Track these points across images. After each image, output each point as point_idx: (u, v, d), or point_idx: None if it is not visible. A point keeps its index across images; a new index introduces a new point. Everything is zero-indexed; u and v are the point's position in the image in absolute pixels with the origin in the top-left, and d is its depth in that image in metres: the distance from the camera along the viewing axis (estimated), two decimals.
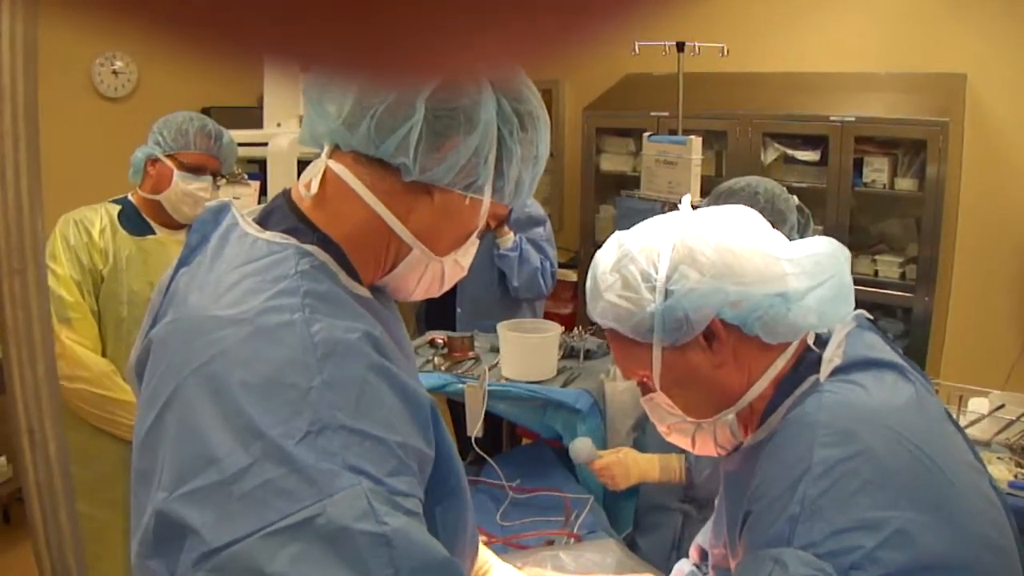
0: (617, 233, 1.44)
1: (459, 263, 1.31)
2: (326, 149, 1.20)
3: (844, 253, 1.37)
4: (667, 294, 1.32)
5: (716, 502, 1.61)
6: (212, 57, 0.32)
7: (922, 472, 1.15)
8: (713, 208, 1.44)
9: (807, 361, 1.35)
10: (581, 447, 2.61)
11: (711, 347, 1.34)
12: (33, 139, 0.44)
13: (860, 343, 1.36)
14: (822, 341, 1.36)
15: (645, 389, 1.45)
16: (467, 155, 1.15)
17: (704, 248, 1.32)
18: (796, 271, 1.31)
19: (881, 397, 1.24)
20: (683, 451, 1.94)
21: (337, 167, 1.18)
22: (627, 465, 2.56)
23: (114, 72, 5.26)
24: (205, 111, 5.61)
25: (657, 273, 1.33)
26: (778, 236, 1.40)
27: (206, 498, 0.92)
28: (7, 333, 0.43)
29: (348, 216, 1.18)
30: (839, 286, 1.32)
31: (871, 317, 1.46)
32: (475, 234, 1.29)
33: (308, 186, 1.19)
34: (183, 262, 1.20)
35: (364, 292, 1.19)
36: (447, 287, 1.35)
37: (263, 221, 1.18)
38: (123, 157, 4.89)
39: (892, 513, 1.10)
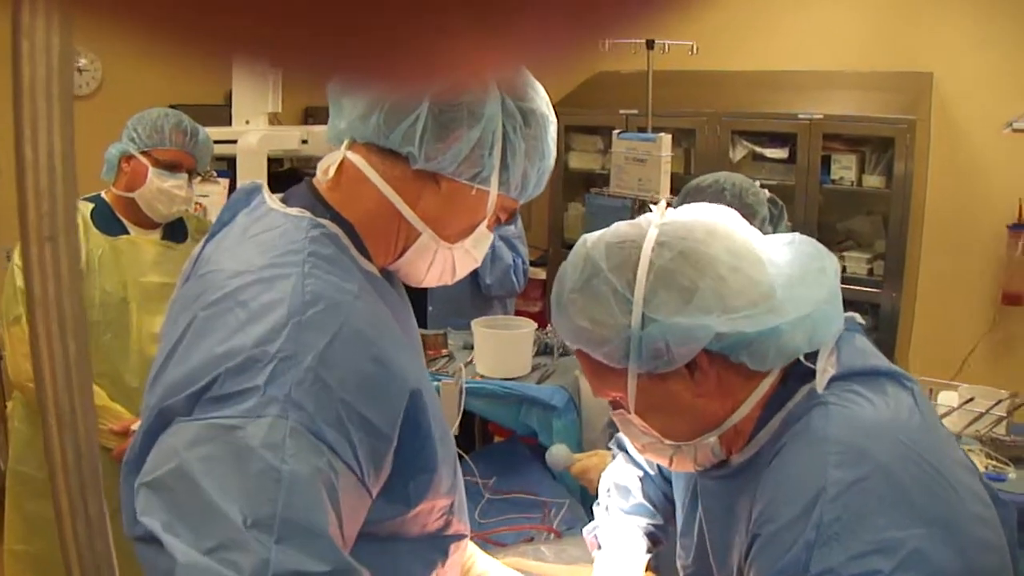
0: (584, 239, 1.34)
1: (471, 253, 1.38)
2: (345, 142, 1.30)
3: (834, 264, 1.30)
4: (645, 320, 1.22)
5: (683, 514, 1.55)
6: (216, 62, 0.32)
7: (931, 485, 1.12)
8: (691, 211, 1.33)
9: (796, 373, 1.26)
10: (557, 454, 2.59)
11: (693, 376, 1.24)
12: (67, 95, 0.44)
13: (853, 349, 1.28)
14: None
15: (616, 405, 1.36)
16: (470, 146, 1.23)
17: (686, 269, 1.22)
18: (787, 294, 1.23)
19: (887, 410, 1.18)
20: None
21: (353, 156, 1.28)
22: (603, 468, 2.56)
23: (79, 69, 5.19)
24: (172, 108, 5.58)
25: (633, 295, 1.23)
26: (762, 241, 1.31)
27: (179, 398, 1.05)
28: (35, 304, 0.42)
29: (361, 200, 1.28)
30: (831, 304, 1.26)
31: (862, 322, 1.39)
32: (484, 225, 1.35)
33: (326, 172, 1.30)
34: (212, 235, 1.32)
35: (372, 269, 1.28)
36: (460, 276, 1.42)
37: (286, 200, 1.30)
38: (88, 154, 4.81)
39: (907, 532, 1.07)
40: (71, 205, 0.49)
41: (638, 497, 1.82)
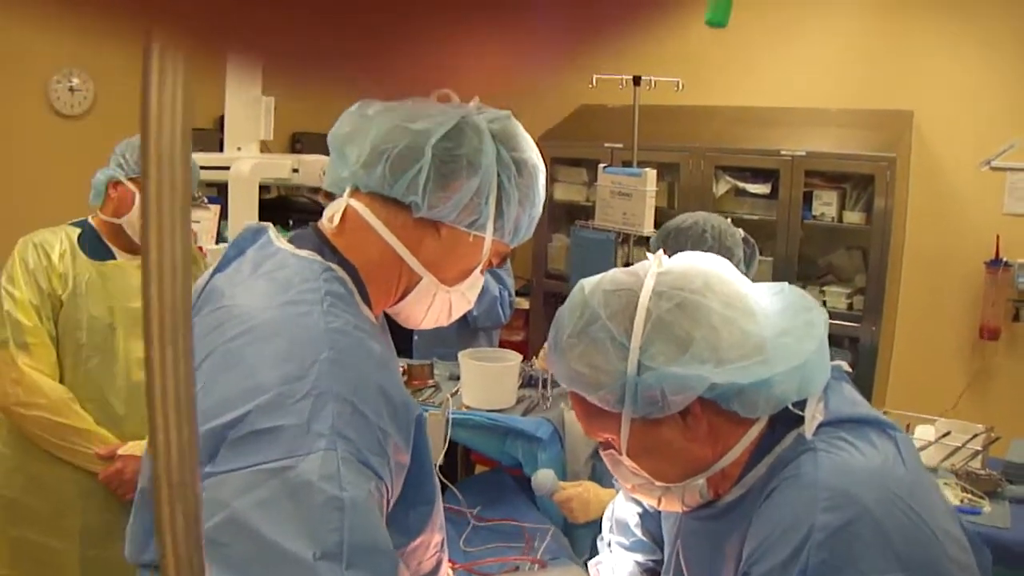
0: (582, 285, 1.37)
1: (466, 296, 1.45)
2: (347, 190, 1.36)
3: (822, 316, 1.33)
4: (641, 368, 1.25)
5: (670, 550, 1.57)
6: (216, 65, 0.32)
7: (915, 532, 1.15)
8: (686, 260, 1.37)
9: (784, 418, 1.29)
10: (543, 479, 2.62)
11: (685, 422, 1.28)
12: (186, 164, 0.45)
13: (841, 398, 1.32)
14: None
15: (607, 446, 1.39)
16: (469, 195, 1.30)
17: (682, 320, 1.25)
18: (777, 345, 1.26)
19: (874, 458, 1.22)
20: None
21: (356, 204, 1.34)
22: (587, 500, 2.57)
23: (71, 89, 5.19)
24: None
25: (629, 343, 1.26)
26: (753, 290, 1.36)
27: (203, 429, 1.05)
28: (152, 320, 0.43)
29: (365, 246, 1.34)
30: (820, 355, 1.28)
31: (848, 370, 1.42)
32: (479, 269, 1.42)
33: (331, 219, 1.36)
34: (219, 269, 1.35)
35: (371, 316, 1.33)
36: (455, 317, 1.48)
37: (293, 241, 1.34)
38: (79, 175, 4.82)
39: None
40: (187, 235, 0.52)
41: (637, 533, 1.85)
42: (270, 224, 1.41)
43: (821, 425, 1.26)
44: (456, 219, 1.32)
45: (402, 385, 1.30)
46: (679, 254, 1.40)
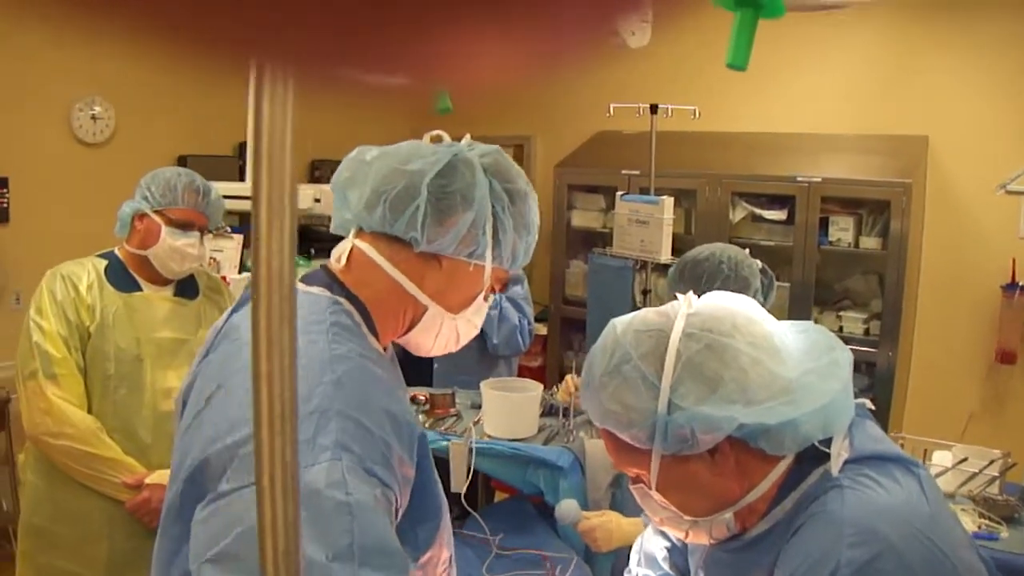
0: (614, 325, 1.42)
1: (471, 322, 1.52)
2: (352, 231, 1.45)
3: (846, 355, 1.37)
4: (671, 407, 1.29)
5: None
6: (214, 65, 0.32)
7: (938, 567, 1.19)
8: (714, 300, 1.41)
9: (809, 455, 1.33)
10: (567, 509, 2.64)
11: (713, 459, 1.32)
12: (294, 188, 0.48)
13: (865, 435, 1.36)
14: None
15: (637, 480, 1.43)
16: (466, 228, 1.39)
17: (711, 362, 1.29)
18: (803, 385, 1.29)
19: (898, 495, 1.25)
20: None
21: (361, 244, 1.42)
22: (610, 530, 2.59)
23: (93, 117, 5.26)
24: (181, 159, 5.63)
25: (660, 383, 1.30)
26: (779, 329, 1.39)
27: (218, 447, 1.15)
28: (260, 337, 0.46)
29: (371, 282, 1.41)
30: (844, 394, 1.31)
31: (872, 407, 1.46)
32: (482, 295, 1.50)
33: (339, 259, 1.44)
34: (235, 310, 1.43)
35: (377, 346, 1.40)
36: (463, 343, 1.55)
37: (305, 279, 1.42)
38: (100, 201, 4.89)
39: None
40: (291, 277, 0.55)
41: (664, 567, 1.89)
42: None
43: (846, 462, 1.30)
44: (456, 251, 1.40)
45: (406, 407, 1.36)
46: (708, 294, 1.44)
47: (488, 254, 1.43)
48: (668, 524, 1.46)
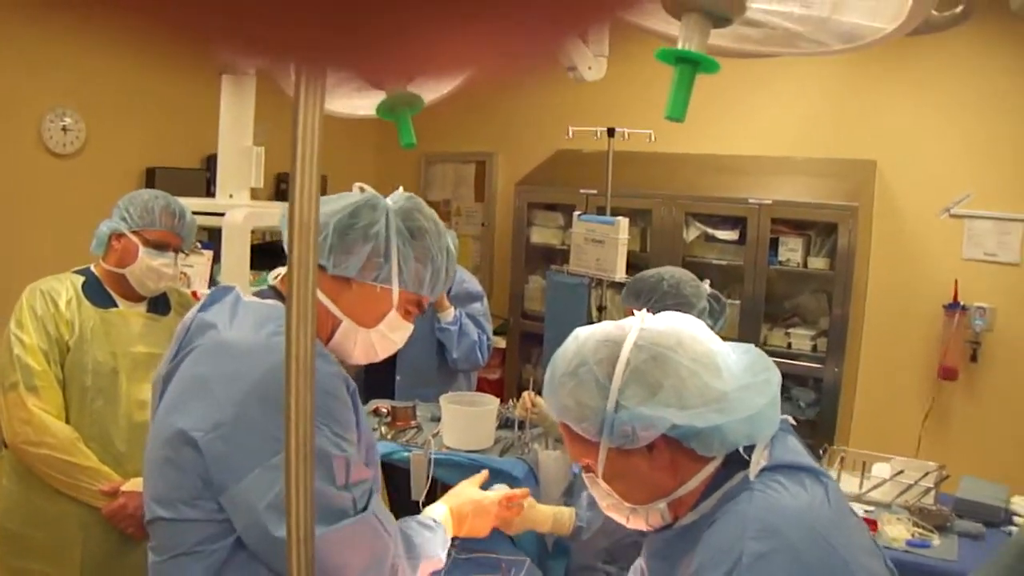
0: (577, 334, 1.59)
1: (388, 337, 1.85)
2: None
3: (777, 376, 1.53)
4: (617, 407, 1.46)
5: (637, 572, 1.79)
6: (203, 55, 0.33)
7: (831, 564, 1.36)
8: (667, 320, 1.57)
9: (736, 461, 1.49)
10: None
11: (651, 454, 1.48)
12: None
13: (784, 448, 1.53)
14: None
15: (588, 469, 1.58)
16: (365, 256, 1.74)
17: (654, 371, 1.46)
18: (735, 397, 1.46)
19: (802, 499, 1.42)
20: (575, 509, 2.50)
21: None
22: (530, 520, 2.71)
23: (63, 128, 5.28)
24: (150, 171, 5.68)
25: (611, 384, 1.47)
26: (723, 349, 1.56)
27: (215, 440, 1.58)
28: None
29: None
30: (771, 408, 1.49)
31: (794, 423, 1.65)
32: (393, 312, 1.82)
33: (277, 277, 1.88)
34: (201, 310, 1.81)
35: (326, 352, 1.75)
36: (383, 355, 1.88)
37: (258, 295, 1.82)
38: (70, 211, 4.98)
39: None
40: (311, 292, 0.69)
41: None
42: (236, 285, 1.89)
43: (763, 469, 1.48)
44: (361, 275, 1.75)
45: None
46: (662, 313, 1.62)
47: (394, 279, 1.77)
48: (612, 510, 1.63)
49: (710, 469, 1.51)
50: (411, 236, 1.78)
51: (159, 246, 2.87)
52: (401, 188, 1.90)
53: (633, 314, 1.62)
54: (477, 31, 0.31)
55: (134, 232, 2.86)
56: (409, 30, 0.30)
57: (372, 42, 0.31)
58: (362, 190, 1.84)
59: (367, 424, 1.79)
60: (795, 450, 1.57)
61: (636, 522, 1.62)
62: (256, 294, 1.82)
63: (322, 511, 1.51)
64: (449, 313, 4.17)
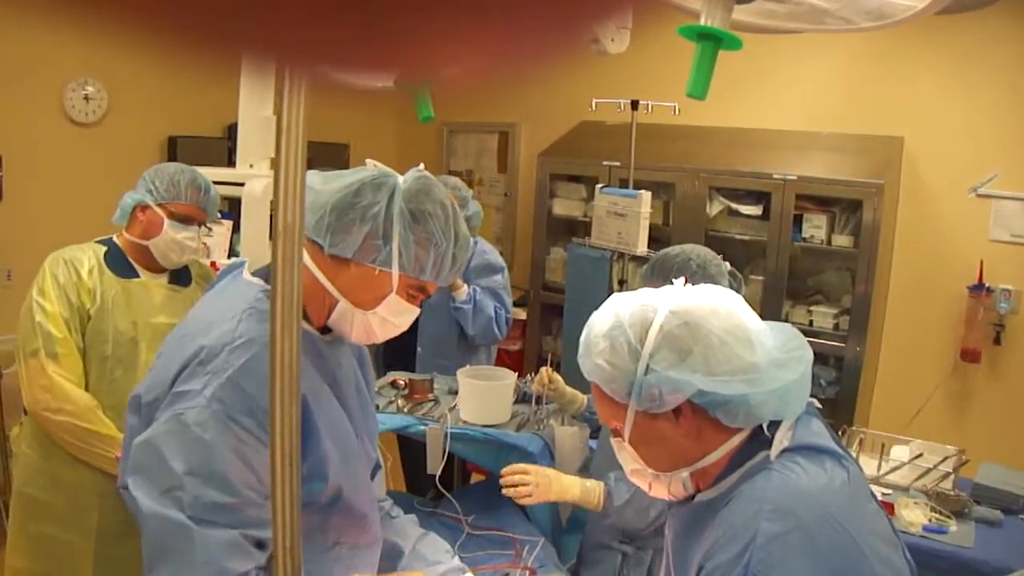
0: (616, 297, 1.61)
1: (388, 320, 1.79)
2: None
3: (810, 354, 1.54)
4: (647, 370, 1.47)
5: (666, 549, 1.78)
6: (205, 52, 0.33)
7: (845, 548, 1.37)
8: (704, 291, 1.57)
9: (760, 438, 1.51)
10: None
11: (678, 420, 1.50)
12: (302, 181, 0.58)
13: (807, 430, 1.54)
14: (775, 421, 1.54)
15: (616, 433, 1.60)
16: (361, 237, 1.69)
17: (685, 336, 1.47)
18: (765, 370, 1.47)
19: (819, 481, 1.43)
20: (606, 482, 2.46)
21: None
22: (550, 478, 2.73)
23: (85, 97, 5.31)
24: (172, 140, 5.71)
25: (643, 348, 1.49)
26: (758, 325, 1.55)
27: (161, 391, 1.62)
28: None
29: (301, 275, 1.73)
30: (800, 386, 1.50)
31: (820, 406, 1.65)
32: (394, 295, 1.76)
33: None
34: (210, 288, 1.89)
35: (308, 328, 1.76)
36: (383, 338, 1.83)
37: (255, 273, 1.80)
38: (92, 180, 4.99)
39: None
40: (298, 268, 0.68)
41: None
42: (247, 259, 1.92)
43: (785, 450, 1.49)
44: (358, 256, 1.70)
45: (345, 403, 1.83)
46: (700, 286, 1.62)
47: (394, 262, 1.71)
48: (636, 476, 1.65)
49: (735, 442, 1.53)
50: (413, 220, 1.70)
51: (184, 219, 2.90)
52: (422, 165, 1.84)
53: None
54: (482, 34, 0.31)
55: (159, 205, 2.88)
56: (420, 29, 0.30)
57: (379, 41, 0.30)
58: (375, 166, 1.80)
59: (345, 428, 1.83)
60: (819, 433, 1.57)
61: (658, 490, 1.64)
62: (255, 272, 1.81)
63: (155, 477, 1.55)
64: (463, 292, 4.15)
